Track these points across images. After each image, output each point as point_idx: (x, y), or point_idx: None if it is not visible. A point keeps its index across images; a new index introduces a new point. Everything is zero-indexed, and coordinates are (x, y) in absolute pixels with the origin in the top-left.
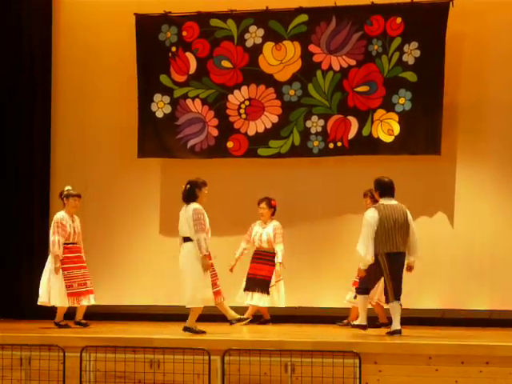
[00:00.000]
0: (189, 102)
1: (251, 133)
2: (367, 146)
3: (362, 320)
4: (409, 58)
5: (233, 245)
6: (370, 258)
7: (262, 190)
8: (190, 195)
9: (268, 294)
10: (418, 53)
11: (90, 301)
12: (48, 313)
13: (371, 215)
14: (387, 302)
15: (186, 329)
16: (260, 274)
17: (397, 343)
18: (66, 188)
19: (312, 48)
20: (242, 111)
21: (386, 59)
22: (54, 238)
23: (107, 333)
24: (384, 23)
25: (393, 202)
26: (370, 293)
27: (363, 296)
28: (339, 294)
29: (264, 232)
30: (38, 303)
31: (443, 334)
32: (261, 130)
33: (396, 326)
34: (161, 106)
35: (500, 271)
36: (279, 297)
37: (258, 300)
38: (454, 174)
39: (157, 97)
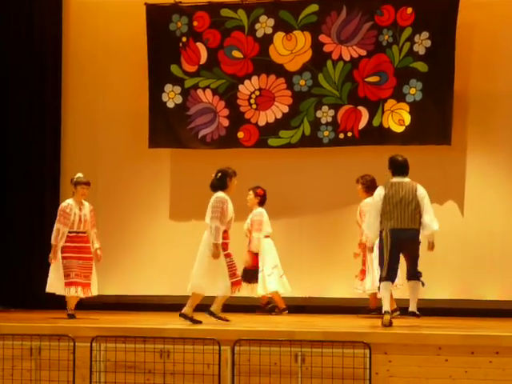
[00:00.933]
0: (200, 92)
1: (262, 123)
2: (378, 136)
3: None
4: (419, 48)
5: (242, 234)
6: (374, 235)
7: (272, 179)
8: (219, 184)
9: (256, 282)
10: (428, 43)
11: (83, 293)
12: (59, 303)
13: (377, 193)
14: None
15: (181, 315)
16: (246, 265)
17: (407, 333)
18: (77, 175)
19: (322, 38)
20: (252, 101)
21: (397, 49)
22: (55, 227)
23: (117, 323)
24: (395, 13)
25: (405, 179)
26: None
27: (384, 283)
28: (349, 284)
29: (247, 221)
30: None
31: (453, 324)
32: (271, 120)
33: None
34: (172, 97)
35: (510, 261)
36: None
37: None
38: (465, 164)
39: (168, 87)
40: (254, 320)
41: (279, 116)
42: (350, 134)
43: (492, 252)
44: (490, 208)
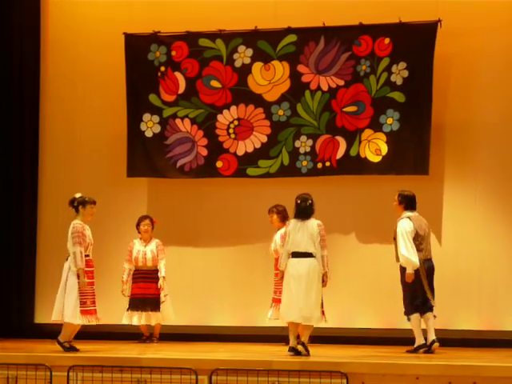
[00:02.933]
0: (178, 121)
1: (240, 152)
2: (355, 165)
3: (419, 341)
4: (397, 79)
5: (220, 260)
6: (417, 261)
7: (250, 208)
8: (313, 210)
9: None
10: (406, 73)
11: (98, 320)
12: (35, 331)
13: (408, 224)
14: (409, 314)
15: (304, 344)
16: (149, 293)
17: (384, 363)
18: (79, 195)
19: (300, 68)
20: (231, 131)
21: (374, 79)
22: (76, 250)
23: (94, 352)
24: (372, 43)
25: (416, 213)
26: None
27: (414, 315)
28: (328, 314)
29: (148, 250)
30: (52, 320)
31: (431, 354)
32: (250, 149)
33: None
34: (150, 126)
35: (488, 291)
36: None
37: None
38: (442, 194)
39: (146, 116)
40: (231, 349)
41: (258, 146)
42: (327, 164)
43: (470, 282)
44: (467, 237)
